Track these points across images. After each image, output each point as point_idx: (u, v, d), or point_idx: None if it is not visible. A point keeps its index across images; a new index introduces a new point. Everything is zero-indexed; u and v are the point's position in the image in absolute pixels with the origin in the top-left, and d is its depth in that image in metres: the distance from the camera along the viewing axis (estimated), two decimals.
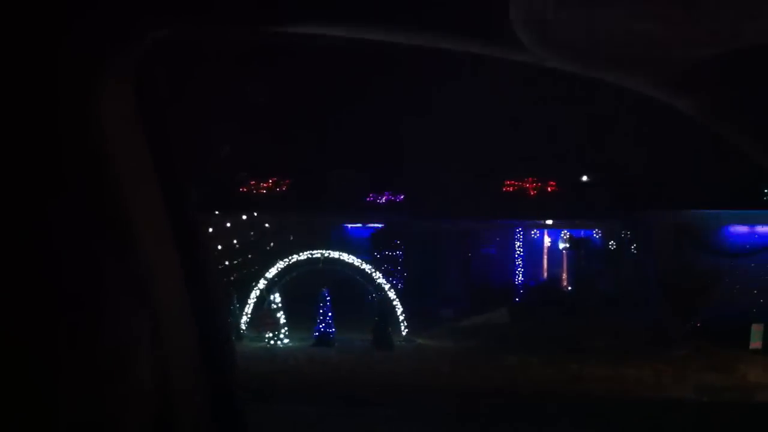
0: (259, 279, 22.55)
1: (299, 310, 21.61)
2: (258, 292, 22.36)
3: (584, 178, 30.13)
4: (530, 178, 30.88)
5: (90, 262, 1.42)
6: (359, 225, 28.92)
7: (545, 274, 29.54)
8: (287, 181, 31.85)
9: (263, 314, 21.97)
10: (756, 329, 19.71)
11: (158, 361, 1.52)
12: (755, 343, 19.51)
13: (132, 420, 1.44)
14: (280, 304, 21.93)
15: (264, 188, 31.64)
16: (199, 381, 1.62)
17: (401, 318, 22.09)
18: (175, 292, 1.62)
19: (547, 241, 29.79)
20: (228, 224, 26.90)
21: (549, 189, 30.42)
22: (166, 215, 1.63)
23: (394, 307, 22.30)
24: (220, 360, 1.68)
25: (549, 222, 28.78)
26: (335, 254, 23.00)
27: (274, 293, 22.29)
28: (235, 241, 26.01)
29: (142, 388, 1.47)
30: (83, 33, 1.41)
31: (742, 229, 25.13)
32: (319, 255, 22.84)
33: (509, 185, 30.78)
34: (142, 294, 1.50)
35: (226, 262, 22.95)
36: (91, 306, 1.40)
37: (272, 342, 21.17)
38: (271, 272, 22.52)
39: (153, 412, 1.49)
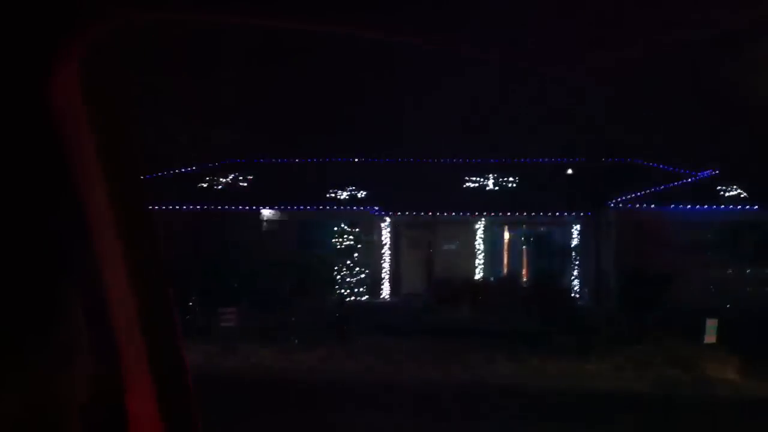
0: (218, 275, 22.40)
1: (260, 305, 21.50)
2: (217, 289, 22.21)
3: (546, 173, 30.46)
4: (492, 174, 31.16)
5: (34, 253, 1.37)
6: (322, 220, 28.79)
7: (505, 270, 29.77)
8: (248, 175, 31.67)
9: (223, 311, 21.83)
10: (710, 324, 20.11)
11: (105, 353, 1.48)
12: (710, 337, 19.91)
13: (78, 412, 1.39)
14: (239, 300, 21.81)
15: (224, 181, 31.42)
16: (149, 371, 1.58)
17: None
18: (123, 284, 1.57)
19: (507, 236, 30.02)
20: (184, 218, 26.62)
21: (510, 185, 30.70)
22: (115, 206, 1.58)
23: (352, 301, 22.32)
24: (170, 351, 1.63)
25: (509, 215, 28.97)
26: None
27: (232, 289, 22.15)
28: (192, 236, 25.73)
29: (88, 380, 1.44)
30: (33, 14, 1.35)
31: (699, 225, 25.62)
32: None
33: (470, 180, 31.00)
34: (89, 286, 1.46)
35: (176, 256, 22.68)
36: (34, 297, 1.35)
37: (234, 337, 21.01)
38: (231, 268, 22.41)
39: (101, 404, 1.45)
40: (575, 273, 28.54)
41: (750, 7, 1.16)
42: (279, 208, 28.64)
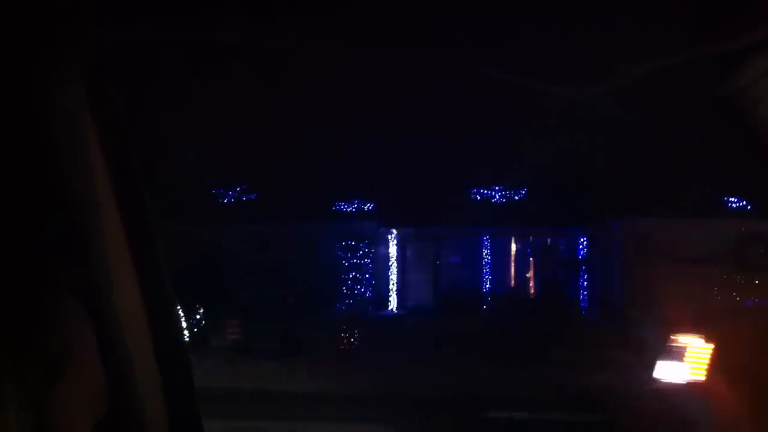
0: (225, 290, 22.42)
1: (267, 318, 21.49)
2: (224, 303, 22.23)
3: (551, 186, 30.36)
4: (497, 186, 31.08)
5: (38, 266, 1.39)
6: (327, 233, 28.79)
7: (512, 282, 29.69)
8: (254, 190, 31.68)
9: (229, 324, 21.83)
10: None
11: (111, 366, 1.49)
12: None
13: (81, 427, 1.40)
14: (246, 313, 21.82)
15: (230, 197, 31.44)
16: (155, 387, 1.60)
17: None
18: (129, 298, 1.59)
19: (513, 248, 29.96)
20: (195, 233, 26.65)
21: (516, 197, 30.63)
22: (121, 220, 1.60)
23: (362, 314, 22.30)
24: (176, 366, 1.66)
25: (516, 230, 28.94)
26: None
27: (239, 302, 22.16)
28: (200, 251, 25.77)
29: (93, 394, 1.44)
30: (36, 26, 1.37)
31: (703, 237, 25.52)
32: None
33: (476, 193, 30.92)
34: (94, 300, 1.47)
35: (189, 272, 22.70)
36: (38, 310, 1.36)
37: (240, 350, 20.98)
38: (238, 282, 22.43)
39: (105, 419, 1.46)
40: (582, 285, 28.43)
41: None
42: (285, 223, 28.62)
